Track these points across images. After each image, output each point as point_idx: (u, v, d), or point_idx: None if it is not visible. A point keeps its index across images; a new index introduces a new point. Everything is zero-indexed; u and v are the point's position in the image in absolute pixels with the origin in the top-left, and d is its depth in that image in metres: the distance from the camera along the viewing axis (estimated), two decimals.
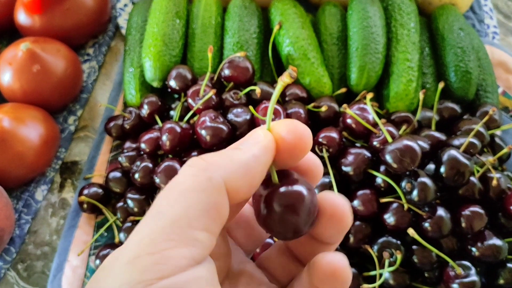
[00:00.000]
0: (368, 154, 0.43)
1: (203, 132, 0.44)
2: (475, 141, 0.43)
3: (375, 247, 0.41)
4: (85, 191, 0.49)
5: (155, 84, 0.53)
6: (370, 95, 0.44)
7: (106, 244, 0.48)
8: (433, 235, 0.40)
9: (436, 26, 0.56)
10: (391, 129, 0.43)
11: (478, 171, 0.43)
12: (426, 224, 0.40)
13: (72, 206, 0.51)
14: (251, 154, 0.19)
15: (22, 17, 0.58)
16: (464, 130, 0.47)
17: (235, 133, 0.45)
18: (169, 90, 0.52)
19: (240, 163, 0.19)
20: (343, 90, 0.52)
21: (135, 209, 0.46)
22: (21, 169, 0.51)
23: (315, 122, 0.49)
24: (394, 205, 0.41)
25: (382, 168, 0.42)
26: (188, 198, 0.18)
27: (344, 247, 0.42)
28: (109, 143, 0.55)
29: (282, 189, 0.20)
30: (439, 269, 0.41)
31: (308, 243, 0.22)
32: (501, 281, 0.41)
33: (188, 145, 0.46)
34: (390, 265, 0.39)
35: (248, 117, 0.45)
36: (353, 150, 0.43)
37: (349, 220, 0.21)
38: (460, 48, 0.53)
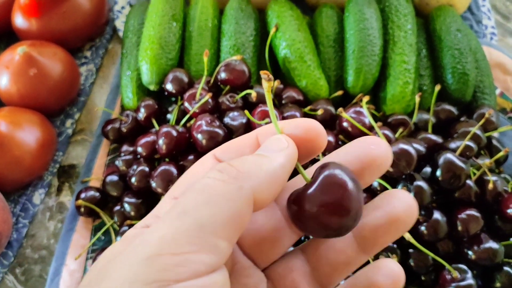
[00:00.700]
0: None
1: (199, 136, 0.44)
2: (472, 144, 0.43)
3: None
4: (82, 195, 0.49)
5: (152, 87, 0.53)
6: (366, 98, 0.44)
7: (103, 248, 0.48)
8: (429, 239, 0.40)
9: (434, 27, 0.56)
10: (387, 132, 0.43)
11: (474, 174, 0.43)
12: (422, 228, 0.40)
13: (70, 210, 0.51)
14: (278, 163, 0.19)
15: (20, 21, 0.59)
16: (460, 133, 0.46)
17: (231, 137, 0.45)
18: (166, 93, 0.52)
19: (269, 173, 0.19)
20: (339, 92, 0.52)
21: (132, 213, 0.46)
22: (18, 173, 0.51)
23: None
24: None
25: None
26: (217, 204, 0.17)
27: None
28: (106, 146, 0.55)
29: (322, 186, 0.19)
30: (435, 273, 0.41)
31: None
32: (498, 285, 0.40)
33: (185, 149, 0.46)
34: None
35: (244, 120, 0.45)
36: None
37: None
38: (458, 49, 0.53)
